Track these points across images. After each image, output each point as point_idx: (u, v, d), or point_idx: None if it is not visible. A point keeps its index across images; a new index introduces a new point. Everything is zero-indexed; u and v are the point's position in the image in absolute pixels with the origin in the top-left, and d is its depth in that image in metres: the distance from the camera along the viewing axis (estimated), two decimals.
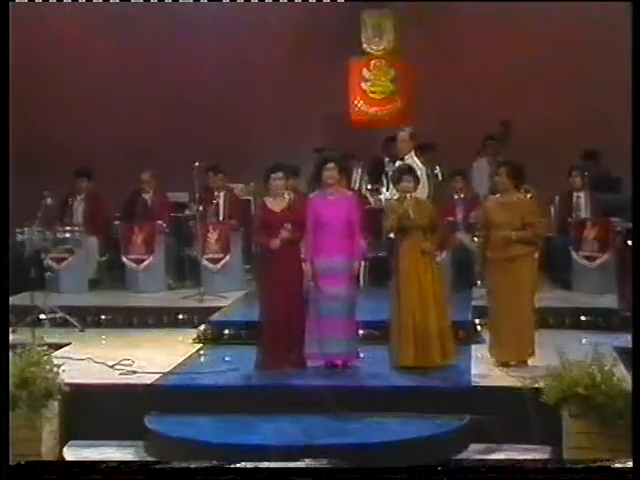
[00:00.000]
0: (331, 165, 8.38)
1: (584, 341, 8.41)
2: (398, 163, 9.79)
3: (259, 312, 8.49)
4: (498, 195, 8.54)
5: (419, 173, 8.88)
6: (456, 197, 11.67)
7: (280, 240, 8.26)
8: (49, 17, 12.84)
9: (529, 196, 9.35)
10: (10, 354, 7.10)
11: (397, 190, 8.57)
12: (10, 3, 7.61)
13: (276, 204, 8.47)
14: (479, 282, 10.55)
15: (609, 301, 10.11)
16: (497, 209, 8.40)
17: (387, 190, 10.60)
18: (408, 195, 8.40)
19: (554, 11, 12.52)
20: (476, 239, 9.82)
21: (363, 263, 9.96)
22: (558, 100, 12.62)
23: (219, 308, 10.33)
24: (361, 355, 8.44)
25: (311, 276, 8.28)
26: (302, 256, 8.45)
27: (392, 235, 8.65)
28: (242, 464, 6.42)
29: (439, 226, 8.64)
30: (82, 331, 10.06)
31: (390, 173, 10.57)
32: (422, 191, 9.11)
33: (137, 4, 12.42)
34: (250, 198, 12.35)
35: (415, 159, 9.90)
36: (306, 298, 8.35)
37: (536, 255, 8.67)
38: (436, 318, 8.25)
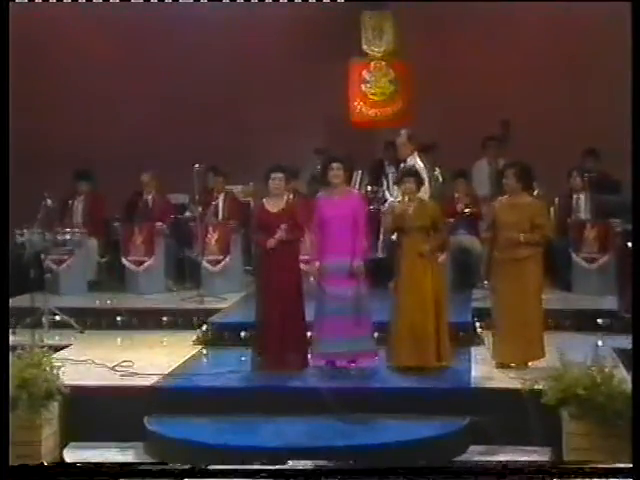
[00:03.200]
0: (337, 165, 8.39)
1: (584, 342, 8.40)
2: (403, 164, 9.75)
3: (256, 312, 8.50)
4: (507, 196, 8.48)
5: (423, 174, 8.86)
6: (457, 198, 11.64)
7: (276, 240, 8.26)
8: (49, 18, 12.81)
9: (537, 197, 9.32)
10: (10, 355, 7.10)
11: (401, 191, 8.56)
12: (10, 3, 7.61)
13: (274, 205, 8.47)
14: (479, 283, 10.54)
15: (609, 302, 10.10)
16: (506, 210, 8.36)
17: (389, 193, 10.59)
18: (410, 196, 8.40)
19: (554, 11, 12.51)
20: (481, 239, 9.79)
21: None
22: (558, 100, 12.60)
23: (219, 310, 10.33)
24: (376, 356, 8.41)
25: (318, 276, 8.28)
26: (301, 257, 8.47)
27: (393, 236, 8.65)
28: (242, 465, 6.43)
29: (441, 227, 8.63)
30: (82, 332, 10.06)
31: (390, 175, 10.57)
32: (424, 192, 9.10)
33: (137, 4, 12.40)
34: (250, 200, 12.34)
35: (418, 160, 9.89)
36: (312, 297, 8.33)
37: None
38: (434, 320, 8.23)
